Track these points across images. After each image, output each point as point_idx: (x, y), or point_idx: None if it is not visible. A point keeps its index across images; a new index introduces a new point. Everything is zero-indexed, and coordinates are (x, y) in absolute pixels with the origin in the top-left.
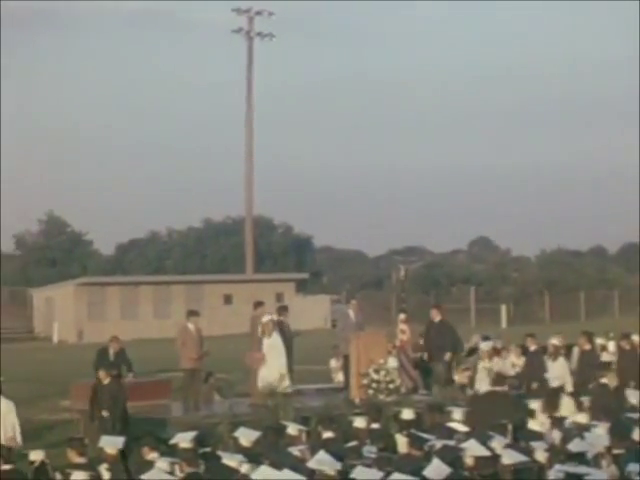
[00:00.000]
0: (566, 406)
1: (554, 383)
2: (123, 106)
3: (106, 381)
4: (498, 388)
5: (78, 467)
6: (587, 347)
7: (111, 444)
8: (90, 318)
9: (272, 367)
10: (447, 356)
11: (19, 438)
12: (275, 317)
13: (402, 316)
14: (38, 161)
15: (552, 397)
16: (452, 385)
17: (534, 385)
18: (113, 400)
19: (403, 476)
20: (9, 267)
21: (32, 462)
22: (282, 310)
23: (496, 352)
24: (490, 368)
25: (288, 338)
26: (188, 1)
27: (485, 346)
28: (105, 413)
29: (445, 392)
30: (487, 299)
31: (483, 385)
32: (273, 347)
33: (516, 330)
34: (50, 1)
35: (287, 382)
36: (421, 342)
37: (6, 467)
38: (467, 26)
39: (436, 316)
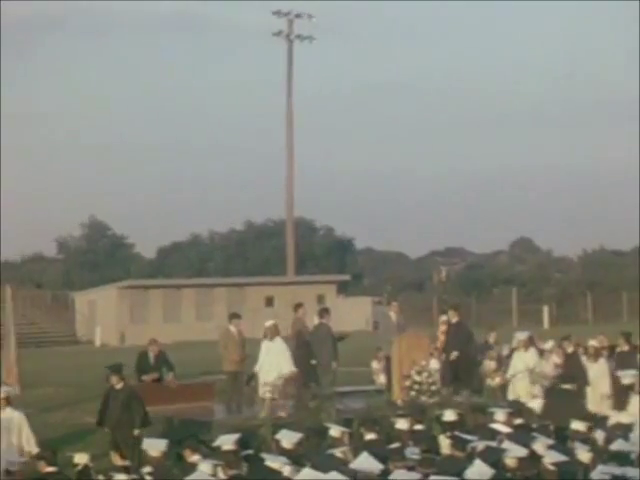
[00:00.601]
0: (633, 405)
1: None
2: (165, 110)
3: (119, 386)
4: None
5: (121, 470)
6: (625, 348)
7: (154, 447)
8: (132, 321)
9: (271, 370)
10: (453, 355)
11: (34, 450)
12: (276, 322)
13: (444, 317)
14: (81, 166)
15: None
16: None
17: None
18: (125, 405)
19: (445, 478)
20: (52, 271)
21: (76, 465)
22: (324, 312)
23: (531, 342)
24: (527, 362)
25: (330, 340)
26: (229, 1)
27: (521, 335)
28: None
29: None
30: (529, 300)
31: (520, 382)
32: (272, 350)
33: (559, 331)
34: (87, 1)
35: (285, 388)
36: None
37: (50, 469)
38: (516, 25)
39: (453, 317)
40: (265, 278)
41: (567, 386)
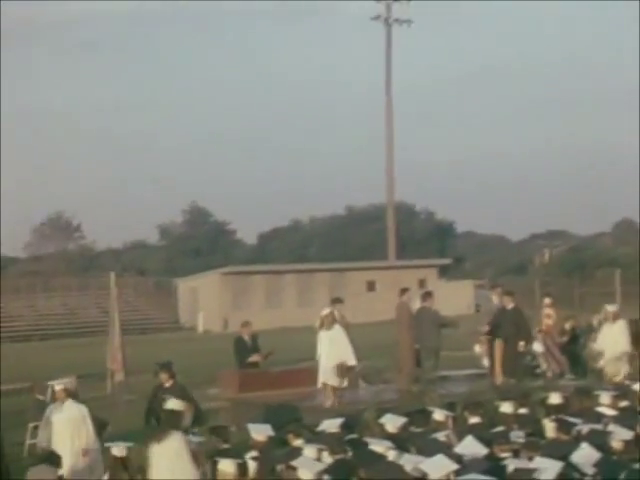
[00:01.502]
0: None
1: None
2: (265, 94)
3: (168, 384)
4: None
5: (224, 454)
6: None
7: (260, 431)
8: (234, 307)
9: (330, 359)
10: (521, 346)
11: (92, 447)
12: (333, 310)
13: (547, 300)
14: (182, 153)
15: None
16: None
17: None
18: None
19: (550, 460)
20: (154, 258)
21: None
22: (427, 296)
23: (619, 315)
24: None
25: (434, 324)
26: None
27: (610, 307)
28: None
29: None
30: (633, 282)
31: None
32: (332, 340)
33: None
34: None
35: (345, 380)
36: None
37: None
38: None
39: (508, 303)
40: (366, 263)
41: None
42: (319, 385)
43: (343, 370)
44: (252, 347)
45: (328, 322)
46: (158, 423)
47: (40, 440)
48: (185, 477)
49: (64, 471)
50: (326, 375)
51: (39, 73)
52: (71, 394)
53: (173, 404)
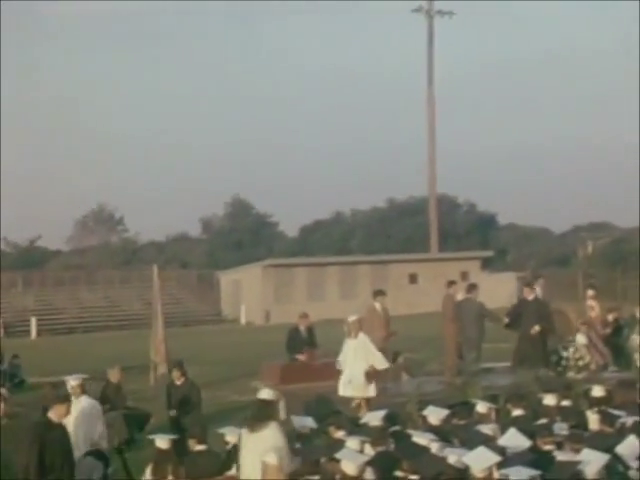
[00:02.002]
0: None
1: None
2: (305, 89)
3: (179, 381)
4: None
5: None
6: None
7: (302, 423)
8: (277, 300)
9: (356, 370)
10: (534, 330)
11: (104, 443)
12: (360, 318)
13: (590, 292)
14: (224, 145)
15: None
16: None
17: None
18: (184, 401)
19: (595, 453)
20: (196, 251)
21: (227, 443)
22: (471, 288)
23: None
24: None
25: (476, 316)
26: None
27: None
28: (172, 412)
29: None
30: None
31: None
32: (358, 349)
33: None
34: None
35: (372, 388)
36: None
37: (200, 447)
38: None
39: (529, 294)
40: (408, 255)
41: None
42: (340, 393)
43: (371, 376)
44: (306, 339)
45: (355, 330)
46: (171, 418)
47: None
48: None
49: None
50: (347, 388)
51: (81, 65)
52: (84, 390)
53: (266, 393)
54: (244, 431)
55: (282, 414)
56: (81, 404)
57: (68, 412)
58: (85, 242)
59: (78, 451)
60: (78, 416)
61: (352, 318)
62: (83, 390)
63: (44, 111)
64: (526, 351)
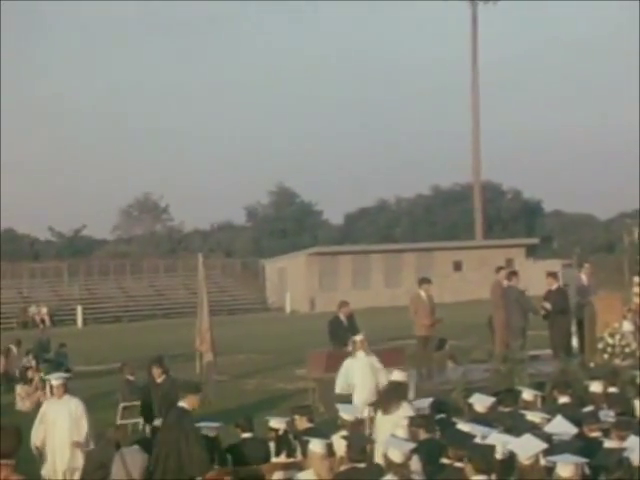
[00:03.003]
0: None
1: None
2: (350, 76)
3: (160, 379)
4: None
5: (311, 433)
6: None
7: (348, 411)
8: (321, 288)
9: (363, 391)
10: (546, 307)
11: (91, 443)
12: (365, 338)
13: (636, 279)
14: (269, 132)
15: None
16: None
17: None
18: (165, 399)
19: None
20: (241, 239)
21: (272, 430)
22: (512, 275)
23: None
24: None
25: (520, 303)
26: None
27: None
28: (157, 422)
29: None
30: None
31: None
32: (363, 367)
33: None
34: None
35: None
36: None
37: (246, 435)
38: None
39: (552, 284)
40: (453, 242)
41: None
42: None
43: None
44: (348, 327)
45: (364, 347)
46: (150, 420)
47: (33, 438)
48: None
49: (63, 465)
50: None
51: (126, 58)
52: (67, 389)
53: (397, 375)
54: (378, 413)
55: (411, 394)
56: (68, 404)
57: (198, 402)
58: (130, 231)
59: (66, 451)
60: (66, 416)
61: (360, 337)
62: (66, 389)
63: (90, 103)
64: (554, 339)
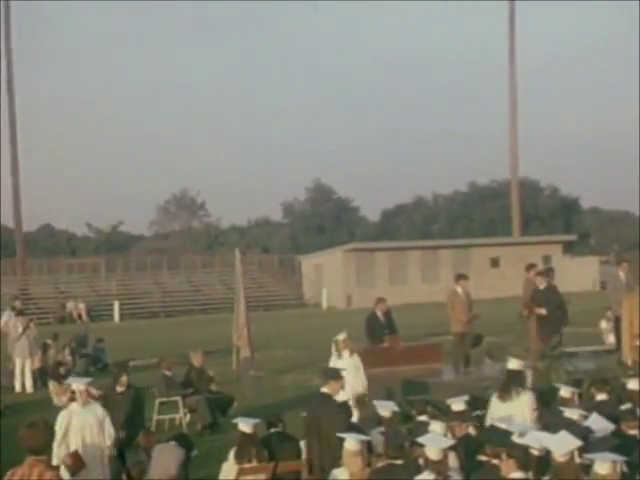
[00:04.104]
0: None
1: None
2: (389, 74)
3: (121, 389)
4: None
5: (351, 430)
6: None
7: (385, 407)
8: (358, 284)
9: (348, 391)
10: (540, 312)
11: (110, 451)
12: (348, 337)
13: None
14: (305, 130)
15: None
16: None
17: None
18: (129, 410)
19: None
20: (278, 235)
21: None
22: (548, 272)
23: None
24: None
25: (557, 300)
26: None
27: None
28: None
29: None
30: None
31: None
32: (349, 368)
33: None
34: None
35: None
36: None
37: (275, 430)
38: None
39: (541, 283)
40: (490, 239)
41: None
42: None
43: (361, 402)
44: (385, 324)
45: (349, 347)
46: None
47: (59, 453)
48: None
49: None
50: None
51: (163, 54)
52: (91, 395)
53: (514, 364)
54: (494, 401)
55: (528, 381)
56: (94, 410)
57: (339, 388)
58: (167, 227)
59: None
60: (94, 423)
61: (342, 336)
62: (89, 395)
63: (130, 101)
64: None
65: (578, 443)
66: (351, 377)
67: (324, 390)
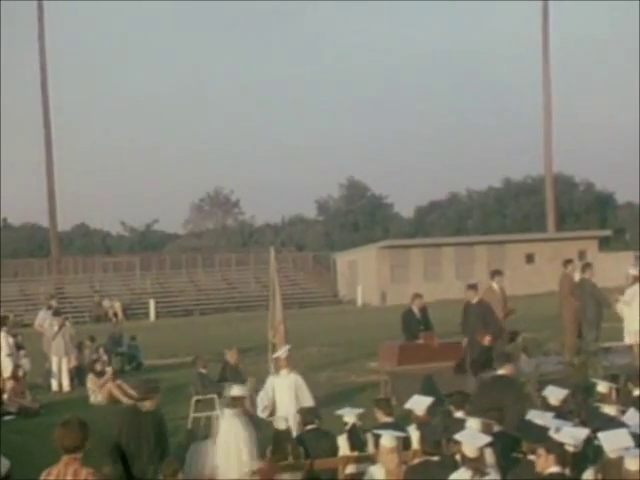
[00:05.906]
0: None
1: None
2: (422, 72)
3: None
4: None
5: (386, 427)
6: None
7: (419, 404)
8: (393, 280)
9: (282, 410)
10: (487, 340)
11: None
12: (290, 354)
13: None
14: (337, 127)
15: None
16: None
17: None
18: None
19: None
20: (312, 232)
21: (345, 423)
22: (586, 267)
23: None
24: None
25: (593, 296)
26: None
27: (633, 270)
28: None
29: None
30: None
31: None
32: (290, 389)
33: None
34: None
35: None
36: None
37: (311, 427)
38: None
39: (473, 297)
40: (525, 235)
41: None
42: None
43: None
44: (421, 320)
45: (287, 366)
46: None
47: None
48: None
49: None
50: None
51: (203, 53)
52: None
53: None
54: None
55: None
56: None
57: (514, 371)
58: (202, 225)
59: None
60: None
61: (283, 353)
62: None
63: (163, 99)
64: (473, 355)
65: (632, 442)
66: (286, 397)
67: (500, 372)
